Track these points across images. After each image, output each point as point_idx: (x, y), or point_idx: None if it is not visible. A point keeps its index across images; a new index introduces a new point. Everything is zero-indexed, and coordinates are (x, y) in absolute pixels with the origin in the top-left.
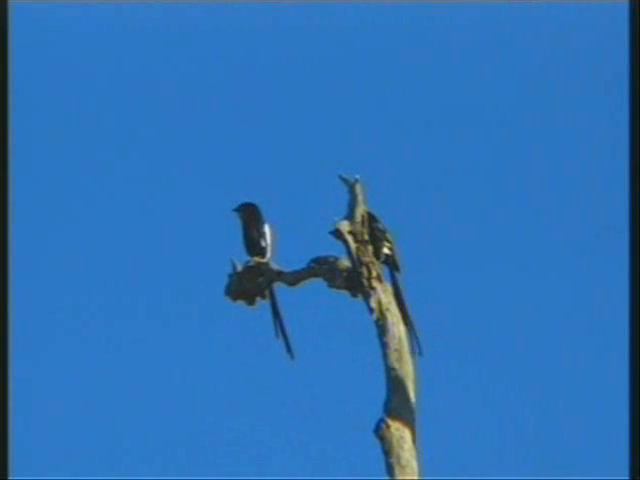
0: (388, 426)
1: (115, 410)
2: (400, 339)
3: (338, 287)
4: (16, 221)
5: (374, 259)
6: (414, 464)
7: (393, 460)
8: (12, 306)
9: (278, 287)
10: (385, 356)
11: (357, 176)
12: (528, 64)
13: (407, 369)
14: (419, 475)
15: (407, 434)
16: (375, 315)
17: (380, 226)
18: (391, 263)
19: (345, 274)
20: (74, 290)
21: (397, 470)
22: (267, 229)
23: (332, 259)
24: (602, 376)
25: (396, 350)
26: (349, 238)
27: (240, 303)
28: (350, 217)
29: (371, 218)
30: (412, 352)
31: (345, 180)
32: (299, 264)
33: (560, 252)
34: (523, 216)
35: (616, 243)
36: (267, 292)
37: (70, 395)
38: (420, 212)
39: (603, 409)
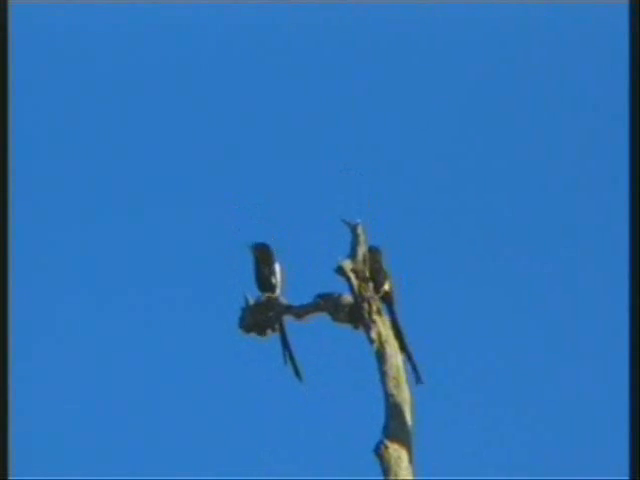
0: (387, 447)
1: (121, 425)
2: (398, 368)
3: (341, 320)
4: (16, 222)
5: (374, 295)
6: None
7: (391, 478)
8: (13, 309)
9: (287, 320)
10: (384, 383)
11: (358, 220)
12: (528, 64)
13: (404, 396)
14: None
15: (404, 454)
16: (375, 346)
17: (381, 264)
18: (389, 298)
19: (348, 308)
20: (89, 320)
21: None
22: (277, 267)
23: (336, 295)
24: (602, 377)
25: (394, 378)
26: (351, 275)
27: (252, 335)
28: (352, 256)
29: (373, 257)
30: (414, 381)
31: (348, 223)
32: (306, 299)
33: (552, 284)
34: (520, 246)
35: (615, 259)
36: (277, 325)
37: (70, 398)
38: (417, 246)
39: (603, 410)
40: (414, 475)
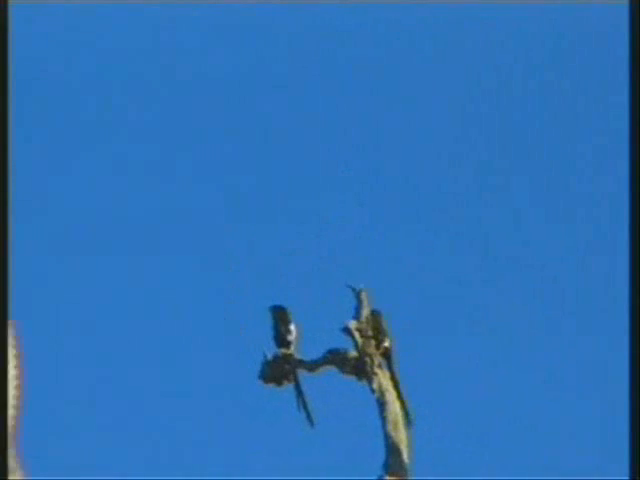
0: None
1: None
2: (395, 413)
3: (348, 373)
4: (16, 226)
5: (375, 351)
6: None
7: None
8: (13, 313)
9: (301, 372)
10: (384, 426)
11: (362, 285)
12: (528, 65)
13: (401, 436)
14: None
15: None
16: (376, 395)
17: (382, 325)
18: (388, 354)
19: (353, 362)
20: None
21: None
22: (293, 327)
23: (343, 351)
24: (602, 378)
25: (393, 422)
26: (356, 334)
27: (271, 385)
28: (357, 317)
29: (374, 318)
30: (405, 423)
31: (353, 289)
32: (317, 354)
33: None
34: (512, 305)
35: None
36: (292, 376)
37: (73, 396)
38: (412, 309)
39: (603, 410)
40: None
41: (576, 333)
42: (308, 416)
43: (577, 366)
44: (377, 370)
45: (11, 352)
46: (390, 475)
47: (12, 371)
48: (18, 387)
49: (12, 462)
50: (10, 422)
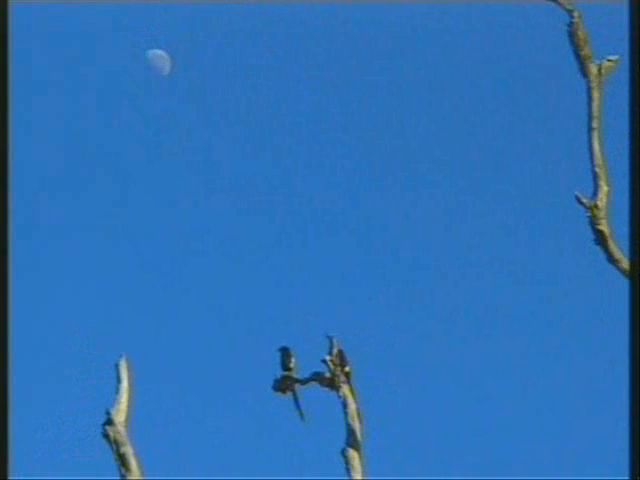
0: (347, 451)
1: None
2: (353, 410)
3: (325, 386)
4: (16, 233)
5: (341, 373)
6: (360, 470)
7: (349, 468)
8: (13, 314)
9: (297, 386)
10: (345, 419)
11: (334, 334)
12: (527, 65)
13: (357, 425)
14: (363, 475)
15: (357, 456)
16: (341, 399)
17: (345, 358)
18: (349, 374)
19: (328, 380)
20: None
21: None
22: (293, 359)
23: (322, 373)
24: (602, 378)
25: (351, 416)
26: (330, 363)
27: (279, 394)
28: (330, 353)
29: (340, 354)
30: (358, 416)
31: (328, 337)
32: (307, 375)
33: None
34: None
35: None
36: (292, 388)
37: (71, 394)
38: (366, 347)
39: (603, 410)
40: (362, 467)
41: (574, 336)
42: (300, 413)
43: (577, 366)
44: (342, 384)
45: (124, 364)
46: (350, 448)
47: (125, 382)
48: (129, 397)
49: (133, 461)
50: (123, 424)
